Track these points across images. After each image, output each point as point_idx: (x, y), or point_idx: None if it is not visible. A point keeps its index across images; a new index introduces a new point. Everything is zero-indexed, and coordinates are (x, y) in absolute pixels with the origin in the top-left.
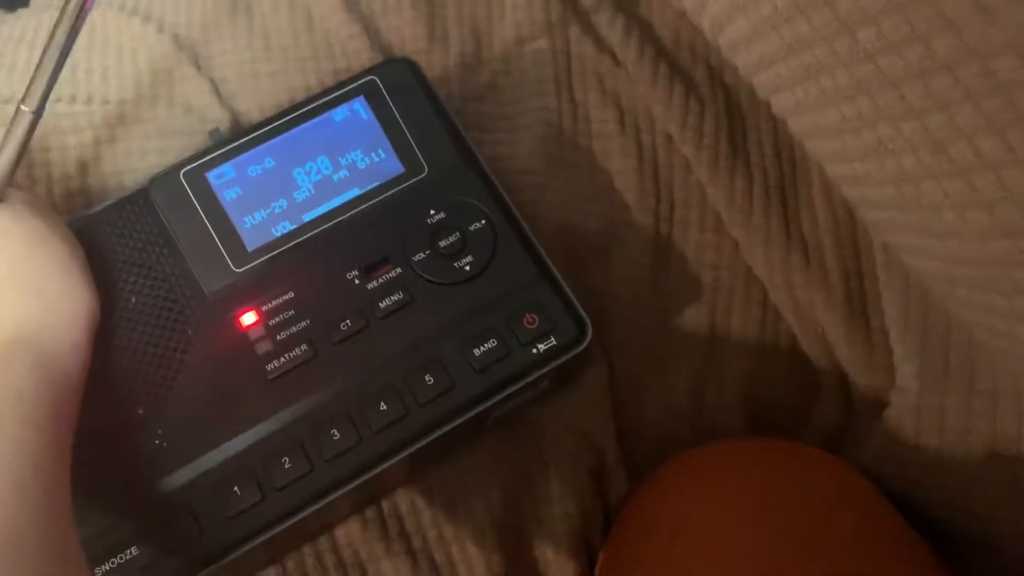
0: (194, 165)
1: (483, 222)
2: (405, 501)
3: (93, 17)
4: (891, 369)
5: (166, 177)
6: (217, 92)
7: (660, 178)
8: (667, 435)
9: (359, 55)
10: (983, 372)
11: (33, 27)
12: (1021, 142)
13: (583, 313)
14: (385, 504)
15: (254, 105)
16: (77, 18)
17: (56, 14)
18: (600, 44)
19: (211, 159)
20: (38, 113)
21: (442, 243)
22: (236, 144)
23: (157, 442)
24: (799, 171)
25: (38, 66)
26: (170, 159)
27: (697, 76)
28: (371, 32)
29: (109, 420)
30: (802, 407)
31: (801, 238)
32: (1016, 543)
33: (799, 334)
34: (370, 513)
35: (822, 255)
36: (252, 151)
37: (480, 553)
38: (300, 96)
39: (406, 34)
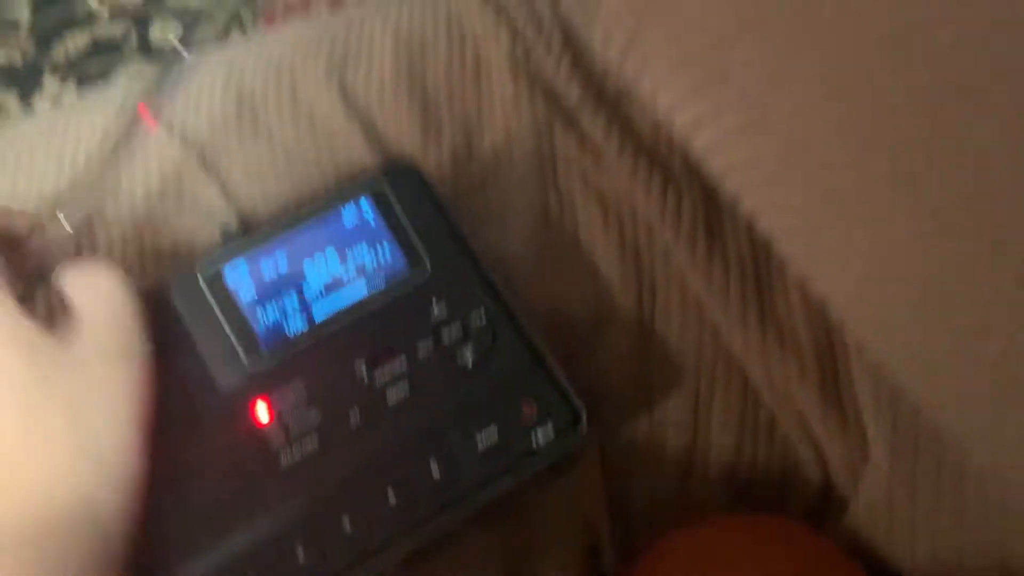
0: (210, 264)
1: (483, 315)
2: None
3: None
4: (865, 447)
5: (183, 276)
6: (225, 191)
7: (643, 266)
8: (656, 514)
9: (359, 151)
10: (951, 453)
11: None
12: (973, 244)
13: (578, 402)
14: None
15: (260, 204)
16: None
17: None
18: (583, 140)
19: (226, 257)
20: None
21: (445, 336)
22: (249, 242)
23: (168, 532)
24: (773, 259)
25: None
26: (181, 254)
27: (675, 168)
28: (369, 128)
29: None
30: (784, 483)
31: (776, 323)
32: None
33: (778, 414)
34: None
35: (797, 337)
36: (264, 248)
37: None
38: (305, 194)
39: (403, 131)
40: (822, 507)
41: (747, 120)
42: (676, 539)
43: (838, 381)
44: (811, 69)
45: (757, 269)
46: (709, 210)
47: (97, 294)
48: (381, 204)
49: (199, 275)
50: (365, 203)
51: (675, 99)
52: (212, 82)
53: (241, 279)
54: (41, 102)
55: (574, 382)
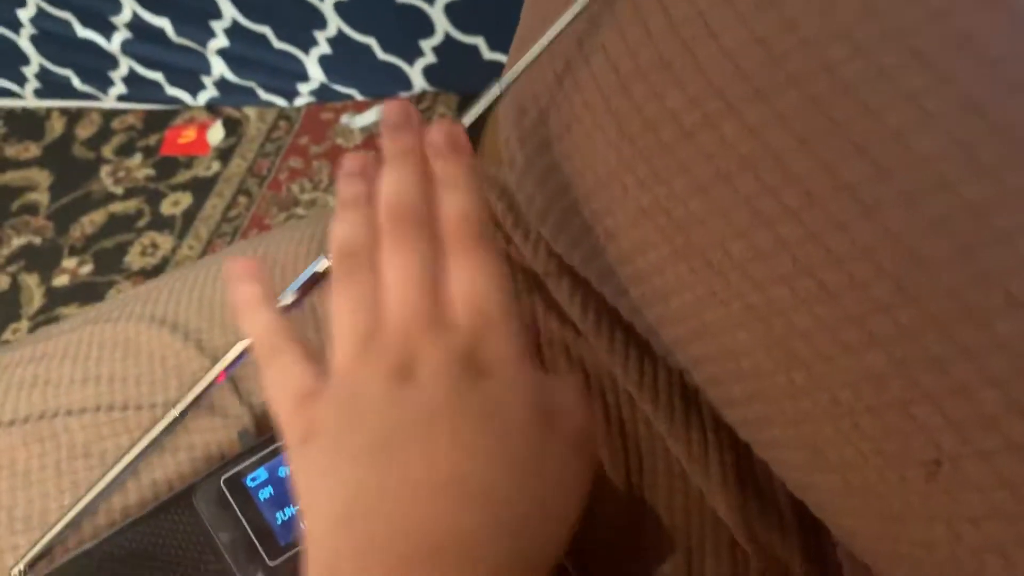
0: (233, 472)
1: None
2: None
3: (126, 330)
4: None
5: (207, 483)
6: (238, 392)
7: (627, 433)
8: None
9: None
10: None
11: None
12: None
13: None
14: None
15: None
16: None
17: None
18: (563, 317)
19: (248, 465)
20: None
21: None
22: (268, 449)
23: None
24: None
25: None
26: (198, 455)
27: (651, 339)
28: None
29: None
30: None
31: (756, 485)
32: None
33: (767, 571)
34: None
35: (776, 501)
36: (281, 453)
37: None
38: None
39: None
40: None
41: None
42: None
43: (820, 544)
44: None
45: (733, 433)
46: (685, 378)
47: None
48: None
49: (223, 480)
50: None
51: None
52: (216, 280)
53: (260, 481)
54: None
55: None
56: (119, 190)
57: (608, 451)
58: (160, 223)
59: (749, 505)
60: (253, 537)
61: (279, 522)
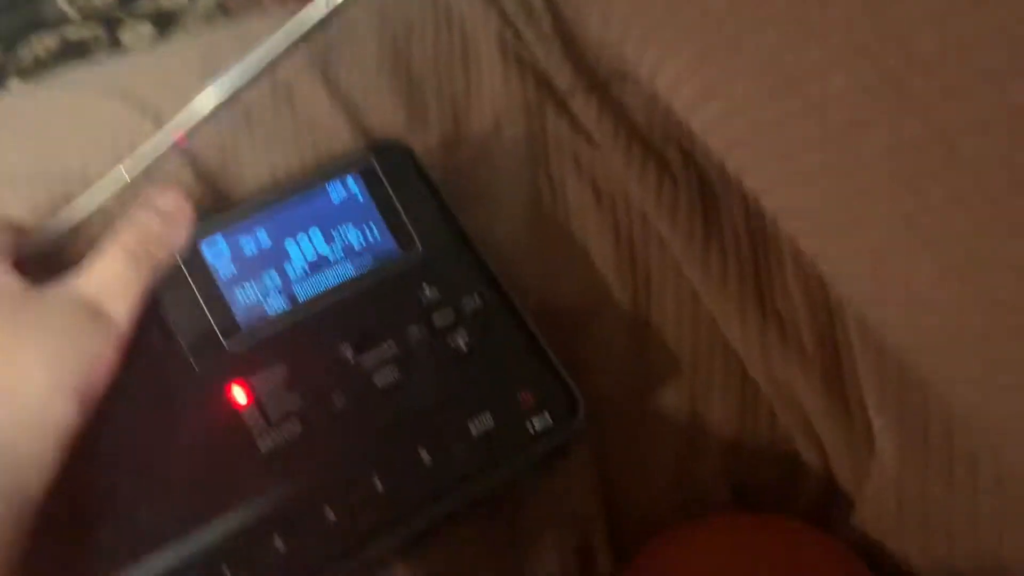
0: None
1: (476, 300)
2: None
3: (73, 97)
4: (871, 441)
5: None
6: (194, 164)
7: (637, 255)
8: (652, 512)
9: (341, 135)
10: (962, 444)
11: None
12: (989, 216)
13: (576, 390)
14: None
15: (235, 184)
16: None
17: None
18: (575, 125)
19: (204, 232)
20: None
21: (436, 320)
22: (229, 217)
23: (142, 520)
24: (771, 247)
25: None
26: None
27: (670, 156)
28: (352, 112)
29: (90, 497)
30: (784, 481)
31: (776, 313)
32: None
33: (778, 408)
34: None
35: (798, 330)
36: (246, 225)
37: None
38: (282, 175)
39: (386, 115)
40: (825, 505)
41: (759, 86)
42: (672, 539)
43: (841, 374)
44: (832, 23)
45: (756, 260)
46: (705, 200)
47: (108, 263)
48: (370, 182)
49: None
50: (353, 181)
51: (681, 70)
52: (187, 66)
53: (220, 255)
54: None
55: (568, 371)
56: (74, 13)
57: (615, 270)
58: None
59: (768, 336)
60: (208, 314)
61: (239, 301)
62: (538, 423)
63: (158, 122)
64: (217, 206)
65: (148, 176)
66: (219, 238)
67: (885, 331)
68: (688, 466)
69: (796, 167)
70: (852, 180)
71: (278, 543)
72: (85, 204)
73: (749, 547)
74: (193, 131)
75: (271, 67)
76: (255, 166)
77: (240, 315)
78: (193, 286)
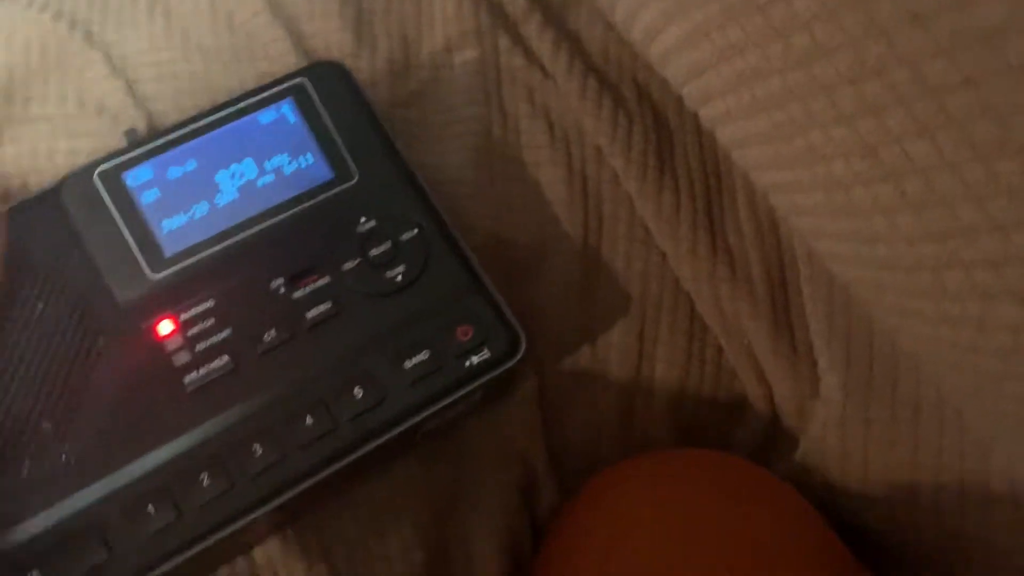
0: (109, 165)
1: (415, 232)
2: (329, 518)
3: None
4: (815, 380)
5: (78, 177)
6: (132, 93)
7: (589, 190)
8: (596, 449)
9: (283, 58)
10: (906, 381)
11: None
12: (950, 145)
13: (517, 325)
14: (308, 521)
15: (171, 107)
16: None
17: None
18: (530, 56)
19: (128, 159)
20: None
21: (373, 252)
22: (155, 144)
23: (63, 458)
24: (724, 184)
25: None
26: (80, 161)
27: (625, 91)
28: (295, 36)
29: (9, 435)
30: (729, 419)
31: (727, 250)
32: (941, 552)
33: (725, 346)
34: (291, 530)
35: (748, 266)
36: (172, 152)
37: (406, 570)
38: (220, 98)
39: (332, 39)
40: (769, 444)
41: (720, 8)
42: (614, 474)
43: (789, 314)
44: None
45: (708, 197)
46: (660, 136)
47: None
48: (305, 107)
49: (96, 175)
50: (287, 106)
51: None
52: None
53: (145, 181)
54: None
55: (513, 307)
56: None
57: (566, 205)
58: None
59: (718, 274)
60: (132, 244)
61: (165, 230)
62: (477, 361)
63: (89, 39)
64: (150, 131)
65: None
66: (146, 166)
67: (836, 266)
68: (633, 405)
69: (755, 93)
70: (812, 106)
71: (205, 481)
72: None
73: (690, 479)
74: (128, 53)
75: None
76: (192, 92)
77: (166, 245)
78: (117, 215)
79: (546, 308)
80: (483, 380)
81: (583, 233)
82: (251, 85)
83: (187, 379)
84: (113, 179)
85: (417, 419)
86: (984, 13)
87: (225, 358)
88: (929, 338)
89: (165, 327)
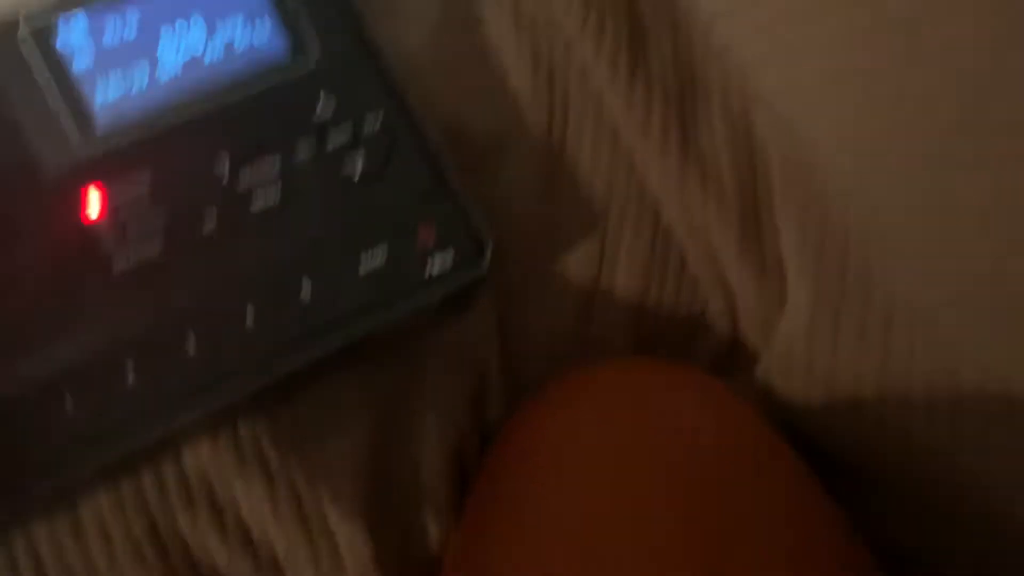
0: (38, 16)
1: (379, 119)
2: (266, 424)
3: None
4: (783, 292)
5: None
6: None
7: (556, 83)
8: (553, 356)
9: None
10: (878, 298)
11: None
12: (950, 36)
13: (485, 227)
14: (243, 426)
15: None
16: None
17: None
18: None
19: (60, 10)
20: None
21: (331, 138)
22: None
23: None
24: (699, 86)
25: None
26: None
27: None
28: None
29: None
30: (690, 329)
31: (699, 153)
32: (901, 472)
33: (691, 254)
34: (224, 435)
35: (719, 171)
36: (113, 4)
37: (346, 477)
38: None
39: None
40: (730, 358)
41: None
42: (568, 381)
43: (759, 222)
44: None
45: (682, 97)
46: (633, 29)
47: None
48: None
49: (21, 29)
50: None
51: None
52: None
53: (77, 40)
54: None
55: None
56: None
57: (531, 96)
58: None
59: (687, 176)
60: (60, 111)
61: (99, 98)
62: (439, 263)
63: None
64: None
65: None
66: (80, 19)
67: (812, 171)
68: (592, 311)
69: None
70: None
71: (129, 374)
72: None
73: (646, 390)
74: None
75: None
76: None
77: (99, 111)
78: (41, 73)
79: (504, 205)
80: (445, 286)
81: (547, 127)
82: None
83: (115, 262)
84: (41, 36)
85: (369, 322)
86: None
87: (159, 243)
88: (904, 249)
89: (93, 204)
